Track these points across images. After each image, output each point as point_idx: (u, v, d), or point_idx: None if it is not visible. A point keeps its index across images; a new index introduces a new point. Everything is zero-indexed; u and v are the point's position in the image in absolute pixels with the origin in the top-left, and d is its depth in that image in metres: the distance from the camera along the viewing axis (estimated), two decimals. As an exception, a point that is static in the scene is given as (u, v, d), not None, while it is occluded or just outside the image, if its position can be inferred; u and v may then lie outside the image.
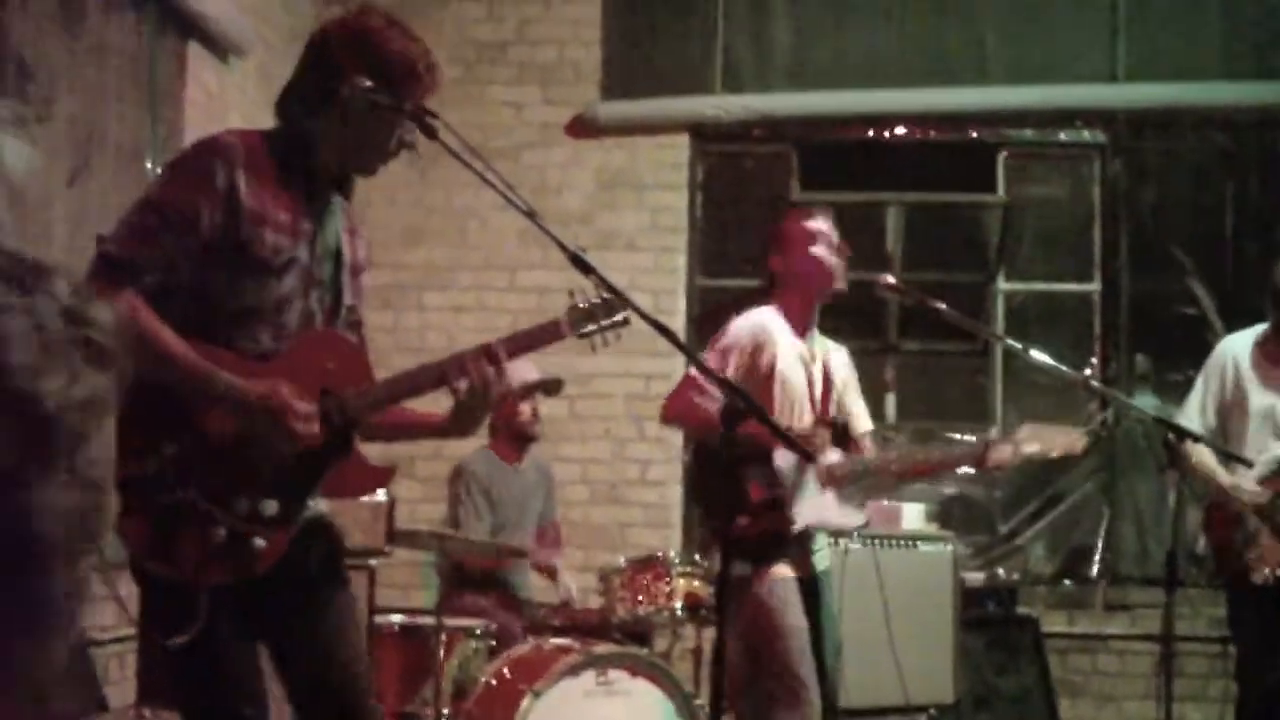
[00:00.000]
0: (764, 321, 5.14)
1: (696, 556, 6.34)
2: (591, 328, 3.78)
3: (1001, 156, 8.82)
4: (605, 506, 8.50)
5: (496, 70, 8.79)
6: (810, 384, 5.18)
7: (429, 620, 5.99)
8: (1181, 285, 8.51)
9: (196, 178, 3.43)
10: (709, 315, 8.63)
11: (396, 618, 6.24)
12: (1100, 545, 8.42)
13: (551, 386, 6.89)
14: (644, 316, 3.62)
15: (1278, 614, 5.55)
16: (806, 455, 4.30)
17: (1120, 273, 8.65)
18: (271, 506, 3.47)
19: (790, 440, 3.92)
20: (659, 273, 8.68)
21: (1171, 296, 8.55)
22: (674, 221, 8.79)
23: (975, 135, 8.81)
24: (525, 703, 5.52)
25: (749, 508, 4.95)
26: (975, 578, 7.61)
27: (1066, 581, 8.44)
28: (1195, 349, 7.14)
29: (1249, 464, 5.59)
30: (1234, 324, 6.41)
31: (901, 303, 6.74)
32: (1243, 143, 8.59)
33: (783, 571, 4.98)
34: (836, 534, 5.45)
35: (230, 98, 7.58)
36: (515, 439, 7.10)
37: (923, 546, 6.86)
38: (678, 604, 6.13)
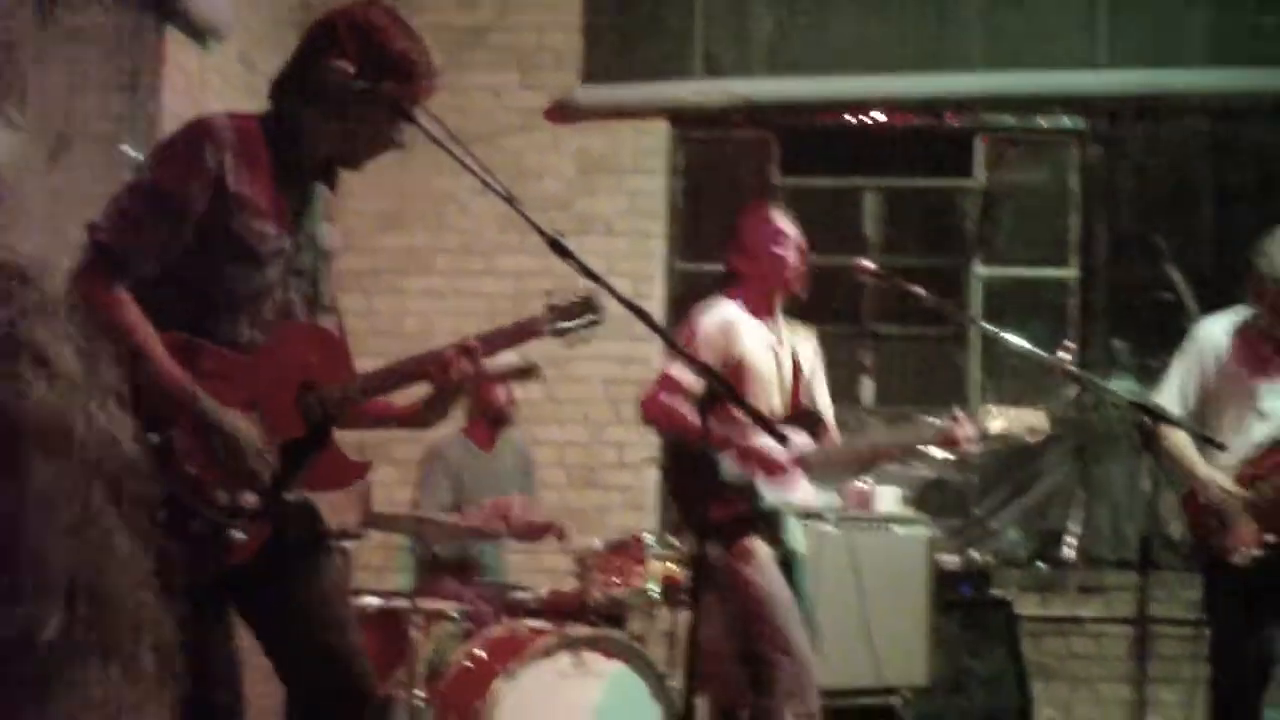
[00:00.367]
0: (727, 315, 5.19)
1: (672, 539, 6.36)
2: (566, 326, 3.83)
3: (979, 142, 8.85)
4: (582, 490, 8.51)
5: (476, 55, 8.77)
6: (780, 370, 5.22)
7: (404, 603, 6.00)
8: (1159, 271, 8.53)
9: (188, 162, 3.42)
10: (687, 300, 8.66)
11: (372, 600, 6.24)
12: (1074, 528, 8.46)
13: (527, 372, 6.88)
14: (622, 301, 3.65)
15: (1253, 596, 5.58)
16: (778, 437, 4.34)
17: (1098, 258, 8.68)
18: (251, 499, 3.48)
19: (764, 421, 3.96)
20: (637, 257, 8.69)
21: (1149, 282, 8.57)
22: (653, 206, 8.81)
23: (954, 121, 8.83)
24: (499, 684, 5.55)
25: (721, 493, 4.99)
26: (950, 560, 7.63)
27: (1040, 564, 8.48)
28: (1173, 334, 7.15)
29: (1224, 448, 5.61)
30: (1211, 309, 6.43)
31: (879, 287, 6.78)
32: (1221, 129, 8.62)
33: (764, 548, 5.03)
34: (806, 515, 5.49)
35: (210, 82, 7.56)
36: (490, 423, 7.11)
37: (897, 529, 6.89)
38: (653, 586, 6.15)
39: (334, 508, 6.21)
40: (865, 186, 8.76)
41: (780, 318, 5.33)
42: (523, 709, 5.58)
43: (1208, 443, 5.59)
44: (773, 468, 5.04)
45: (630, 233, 8.72)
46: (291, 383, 3.53)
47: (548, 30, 8.85)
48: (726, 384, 3.81)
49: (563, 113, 8.79)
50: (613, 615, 6.38)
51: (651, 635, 6.69)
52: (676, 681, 5.84)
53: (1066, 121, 8.82)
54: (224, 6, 7.47)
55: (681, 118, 8.86)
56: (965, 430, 5.08)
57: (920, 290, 5.24)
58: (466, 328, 8.44)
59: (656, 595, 6.14)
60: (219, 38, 7.57)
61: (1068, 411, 8.28)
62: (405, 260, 8.70)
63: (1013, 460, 8.38)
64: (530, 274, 8.01)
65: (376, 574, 7.81)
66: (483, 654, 5.79)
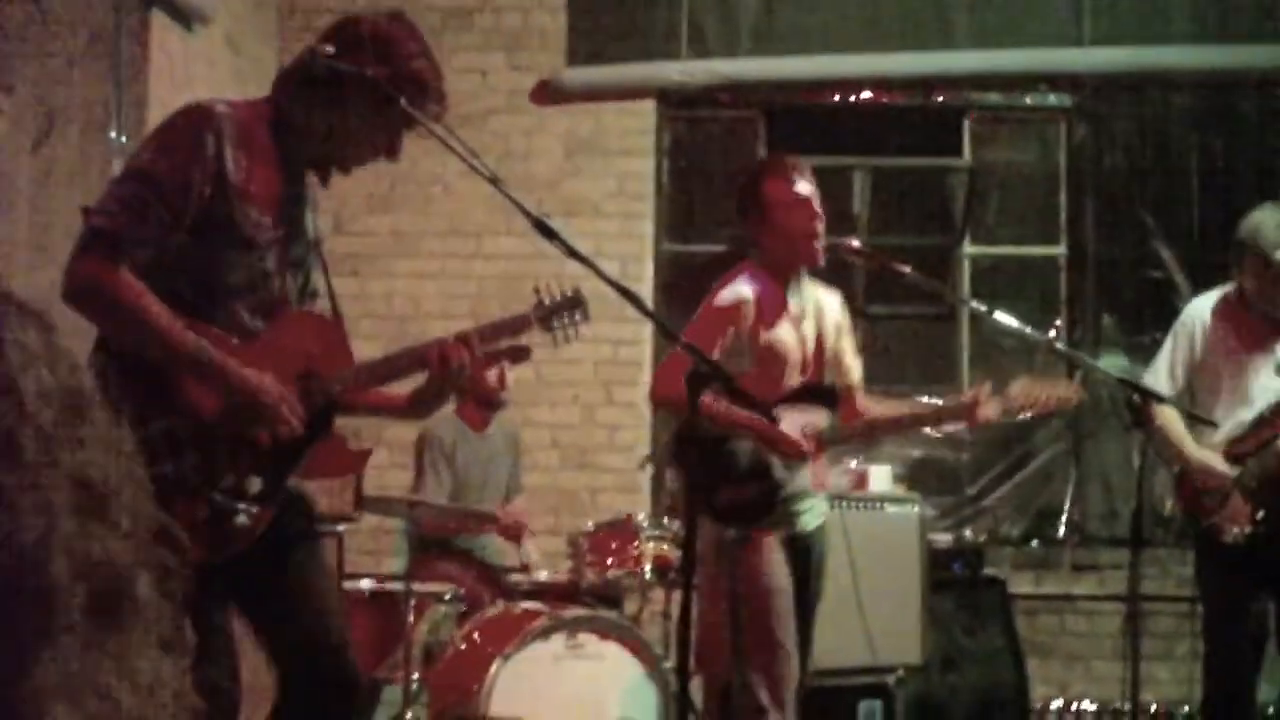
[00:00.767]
0: (746, 289, 5.07)
1: (665, 520, 6.35)
2: (554, 322, 3.90)
3: (967, 120, 8.83)
4: (574, 472, 8.50)
5: (462, 36, 8.74)
6: (803, 344, 5.12)
7: (398, 586, 6.00)
8: (1148, 248, 8.54)
9: (188, 148, 3.42)
10: (676, 281, 8.66)
11: (366, 583, 6.25)
12: (1068, 506, 8.47)
13: (519, 353, 6.87)
14: (611, 283, 3.66)
15: (1245, 573, 5.59)
16: (770, 418, 4.33)
17: (1086, 236, 8.67)
18: (256, 484, 3.50)
19: (755, 403, 3.95)
20: (626, 239, 8.67)
21: (1138, 259, 8.58)
22: (641, 187, 8.79)
23: (941, 99, 8.82)
24: (494, 666, 5.55)
25: (734, 477, 4.97)
26: (943, 539, 7.64)
27: (1034, 542, 8.49)
28: (1162, 311, 7.18)
29: (1215, 425, 5.61)
30: (1200, 286, 6.43)
31: (868, 267, 6.75)
32: (1208, 106, 8.61)
33: (768, 533, 5.00)
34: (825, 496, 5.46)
35: (195, 66, 7.53)
36: (482, 405, 7.10)
37: (890, 508, 6.88)
38: (647, 567, 6.16)
39: (325, 491, 6.23)
40: (854, 166, 8.73)
41: (804, 282, 5.22)
42: (518, 691, 5.58)
43: (1198, 421, 5.60)
44: (790, 448, 4.99)
45: (618, 214, 8.70)
46: (291, 371, 3.54)
47: (533, 11, 8.82)
48: (716, 366, 3.79)
49: (549, 94, 8.77)
50: (607, 596, 6.39)
51: (645, 616, 6.70)
52: (672, 662, 5.84)
53: (1054, 100, 8.81)
54: (208, -10, 7.45)
55: (668, 98, 8.83)
56: (990, 411, 5.02)
57: (909, 269, 5.22)
58: (455, 309, 8.49)
59: (650, 576, 6.15)
60: (204, 21, 7.55)
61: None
62: (394, 242, 8.68)
63: (1005, 438, 8.39)
64: (519, 256, 8.01)
65: (371, 557, 7.82)
66: (478, 636, 5.79)
